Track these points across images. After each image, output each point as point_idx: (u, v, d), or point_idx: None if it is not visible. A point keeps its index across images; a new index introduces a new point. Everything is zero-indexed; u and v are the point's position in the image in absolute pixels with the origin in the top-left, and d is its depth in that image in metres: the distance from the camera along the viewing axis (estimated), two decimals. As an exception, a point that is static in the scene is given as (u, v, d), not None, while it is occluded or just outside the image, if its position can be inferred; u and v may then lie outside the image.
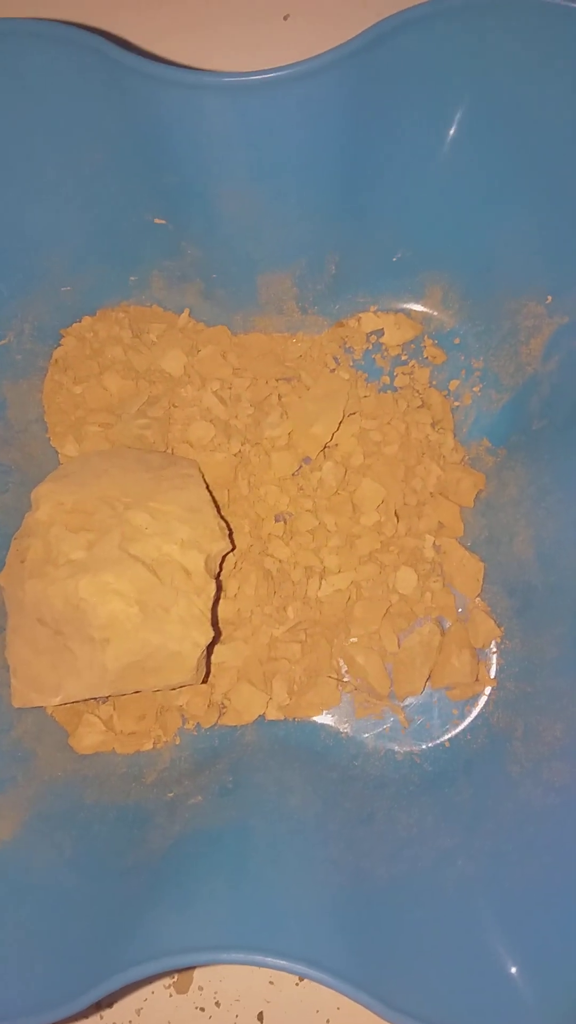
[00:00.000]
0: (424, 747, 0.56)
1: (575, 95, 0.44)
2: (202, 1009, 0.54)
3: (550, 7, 0.41)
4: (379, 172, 0.50)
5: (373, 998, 0.37)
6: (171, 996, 0.54)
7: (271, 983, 0.55)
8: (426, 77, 0.45)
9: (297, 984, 0.55)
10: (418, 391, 0.59)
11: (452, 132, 0.48)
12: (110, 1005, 0.54)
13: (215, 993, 0.55)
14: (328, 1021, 0.54)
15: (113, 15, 0.62)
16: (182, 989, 0.55)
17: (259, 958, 0.38)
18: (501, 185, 0.50)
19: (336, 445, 0.58)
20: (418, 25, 0.42)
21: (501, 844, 0.48)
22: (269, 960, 0.38)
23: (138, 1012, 0.54)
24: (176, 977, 0.55)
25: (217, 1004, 0.54)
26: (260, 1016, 0.54)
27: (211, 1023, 0.54)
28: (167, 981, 0.55)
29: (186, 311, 0.59)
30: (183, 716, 0.56)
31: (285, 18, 0.62)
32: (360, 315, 0.60)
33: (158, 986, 0.55)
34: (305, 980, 0.55)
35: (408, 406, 0.58)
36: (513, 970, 0.41)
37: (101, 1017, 0.54)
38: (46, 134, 0.47)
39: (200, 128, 0.44)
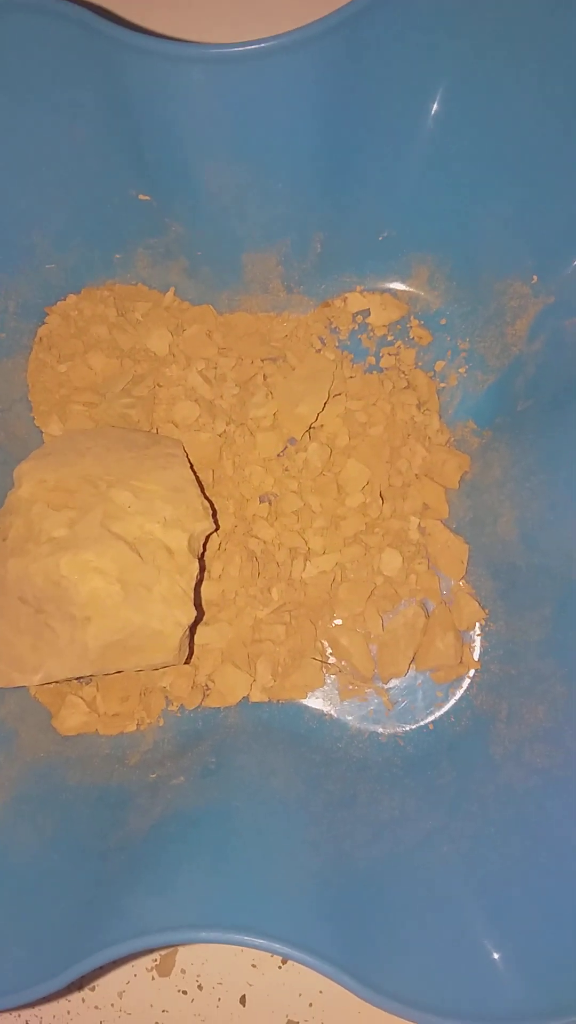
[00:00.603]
0: (408, 729, 0.56)
1: (557, 72, 0.44)
2: (184, 992, 0.54)
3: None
4: (363, 149, 0.50)
5: (354, 979, 0.37)
6: (153, 979, 0.54)
7: (254, 966, 0.55)
8: (408, 52, 0.45)
9: (280, 967, 0.55)
10: (404, 372, 0.59)
11: (435, 109, 0.48)
12: (92, 988, 0.54)
13: (197, 976, 0.54)
14: (311, 1004, 0.54)
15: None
16: (164, 972, 0.54)
17: (239, 937, 0.38)
18: (485, 164, 0.50)
19: (321, 426, 0.58)
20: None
21: (483, 826, 0.48)
22: (249, 939, 0.38)
23: (120, 995, 0.54)
24: (158, 959, 0.55)
25: (199, 987, 0.54)
26: (243, 999, 0.54)
27: (193, 1006, 0.54)
28: (149, 964, 0.55)
29: (171, 290, 0.58)
30: (167, 697, 0.56)
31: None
32: (346, 295, 0.59)
33: (140, 969, 0.55)
34: (288, 963, 0.55)
35: (394, 387, 0.58)
36: (495, 955, 0.41)
37: (83, 1000, 0.54)
38: (27, 108, 0.47)
39: (183, 101, 0.44)
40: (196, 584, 0.50)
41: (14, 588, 0.48)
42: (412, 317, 0.60)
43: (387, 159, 0.51)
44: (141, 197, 0.52)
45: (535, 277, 0.51)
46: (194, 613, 0.49)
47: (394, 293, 0.59)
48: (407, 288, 0.59)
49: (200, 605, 0.55)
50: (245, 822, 0.48)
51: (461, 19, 0.43)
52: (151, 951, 0.55)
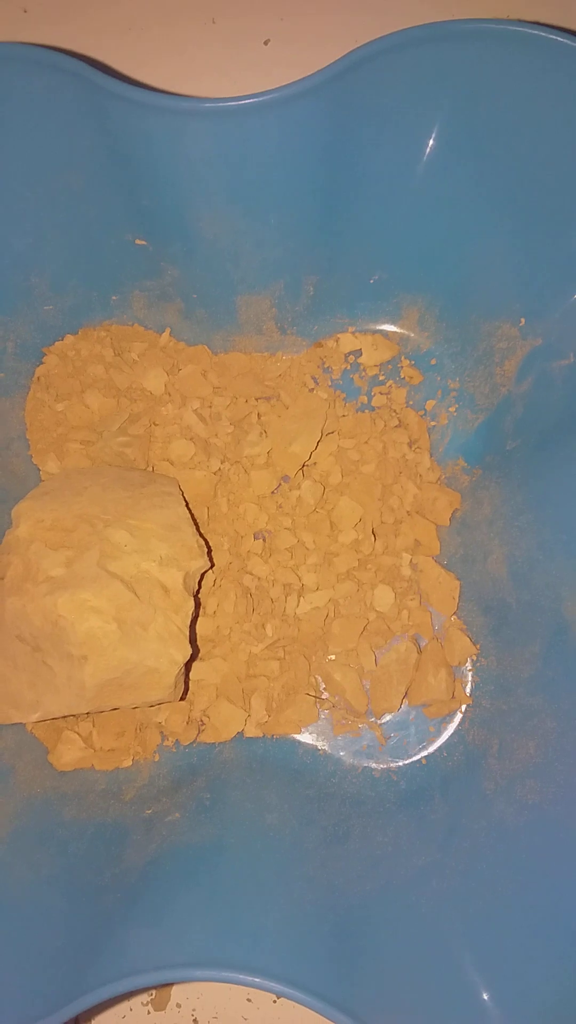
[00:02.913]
0: (401, 764, 0.56)
1: (545, 119, 0.45)
2: (179, 1027, 0.54)
3: (515, 35, 0.42)
4: (356, 196, 0.51)
5: (346, 1016, 0.38)
6: (149, 1013, 0.54)
7: (249, 1000, 0.55)
8: (401, 103, 0.46)
9: (275, 1001, 0.55)
10: (395, 411, 0.60)
11: (426, 157, 0.49)
12: (89, 1022, 0.54)
13: (193, 1010, 0.55)
14: (305, 1038, 0.54)
15: (95, 40, 0.62)
16: (160, 1006, 0.55)
17: (232, 975, 0.38)
18: (475, 210, 0.51)
19: (314, 464, 0.59)
20: (391, 53, 0.42)
21: (474, 863, 0.48)
22: (242, 977, 0.38)
23: (115, 1030, 0.54)
24: (154, 994, 0.55)
25: (195, 1021, 0.54)
26: (237, 1033, 0.54)
27: (188, 1041, 0.54)
28: (145, 998, 0.55)
29: (167, 330, 0.60)
30: (162, 733, 0.56)
31: (266, 43, 0.63)
32: (338, 336, 0.61)
33: (136, 1003, 0.55)
34: (282, 998, 0.55)
35: (385, 425, 0.59)
36: (484, 995, 0.41)
37: (78, 1035, 0.54)
38: (24, 156, 0.48)
39: (180, 152, 0.45)
40: (191, 621, 0.51)
41: (12, 626, 0.49)
42: (403, 357, 0.61)
43: (379, 206, 0.52)
44: (138, 242, 0.53)
45: (523, 320, 0.53)
46: (189, 651, 0.49)
47: (385, 334, 0.61)
48: (398, 329, 0.61)
49: (195, 642, 0.55)
50: (240, 858, 0.48)
51: (452, 70, 0.44)
52: (146, 987, 0.55)
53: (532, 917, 0.43)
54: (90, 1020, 0.55)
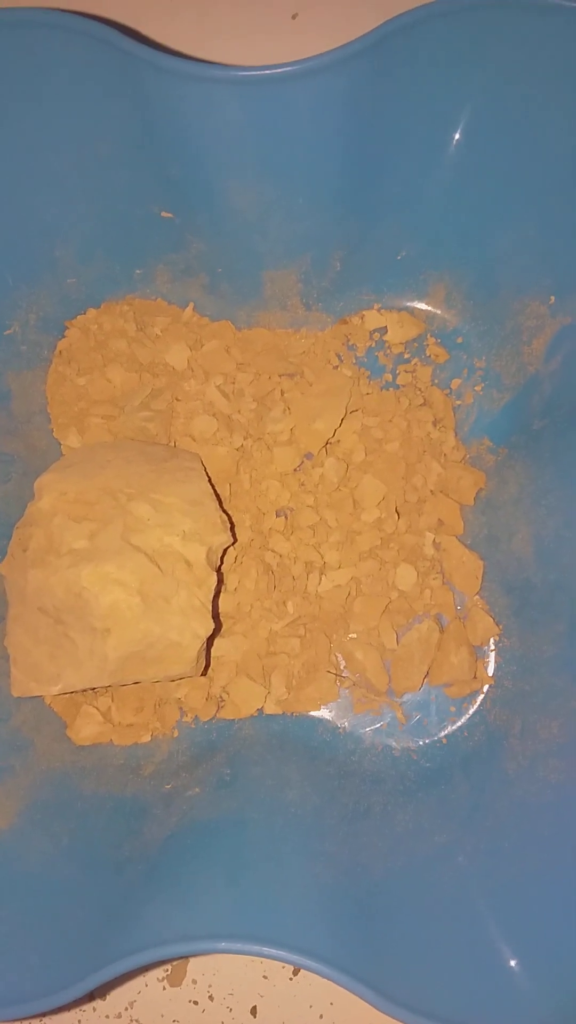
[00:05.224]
0: (421, 743, 0.56)
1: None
2: (195, 1003, 0.54)
3: (554, 8, 0.41)
4: (385, 170, 0.50)
5: (369, 989, 0.37)
6: (164, 989, 0.54)
7: (265, 977, 0.55)
8: (433, 77, 0.45)
9: (291, 978, 0.55)
10: (420, 389, 0.59)
11: (458, 131, 0.49)
12: (103, 997, 0.54)
13: (209, 987, 0.55)
14: (321, 1016, 0.54)
15: (124, 7, 0.62)
16: (175, 982, 0.55)
17: (255, 948, 0.38)
18: (506, 186, 0.50)
19: (338, 441, 0.58)
20: (424, 25, 0.42)
21: (498, 841, 0.48)
22: (266, 950, 0.38)
23: (131, 1005, 0.54)
24: (170, 970, 0.55)
25: (211, 998, 0.54)
26: (253, 1010, 0.54)
27: (204, 1017, 0.54)
28: (160, 974, 0.55)
29: (190, 305, 0.59)
30: (181, 709, 0.56)
31: (294, 17, 0.63)
32: (364, 312, 0.60)
33: (151, 979, 0.55)
34: (299, 975, 0.55)
35: (410, 404, 0.59)
36: (512, 963, 0.41)
37: (94, 1009, 0.54)
38: (54, 125, 0.48)
39: (209, 121, 0.45)
40: (214, 596, 0.51)
41: (34, 599, 0.48)
42: (429, 335, 0.60)
43: (409, 180, 0.51)
44: (164, 214, 0.53)
45: (553, 298, 0.52)
46: (212, 625, 0.49)
47: (411, 311, 0.60)
48: (424, 306, 0.60)
49: (217, 617, 0.55)
50: (260, 833, 0.48)
51: (485, 44, 0.43)
52: (163, 961, 0.55)
53: (559, 890, 0.43)
54: (105, 995, 0.55)
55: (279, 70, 0.41)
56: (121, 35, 0.42)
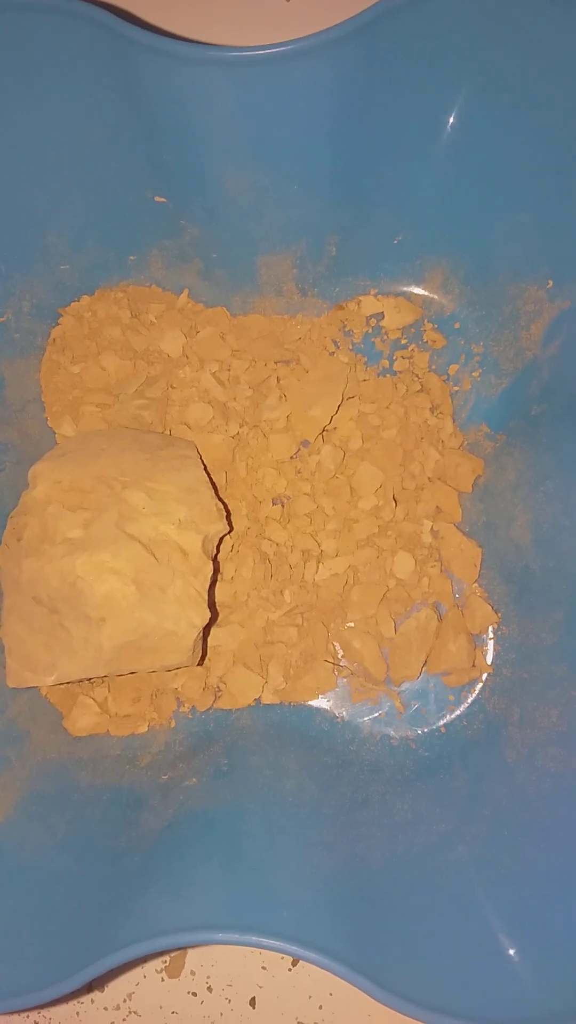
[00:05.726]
0: (420, 732, 0.56)
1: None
2: (194, 994, 0.54)
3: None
4: (380, 153, 0.50)
5: (368, 980, 0.37)
6: (163, 980, 0.54)
7: (263, 968, 0.55)
8: (426, 59, 0.45)
9: (290, 969, 0.55)
10: (417, 375, 0.59)
11: (454, 114, 0.48)
12: (101, 989, 0.54)
13: (207, 978, 0.54)
14: (321, 1007, 0.54)
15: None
16: (174, 973, 0.54)
17: (254, 939, 0.38)
18: (503, 170, 0.50)
19: (334, 428, 0.58)
20: (417, 6, 0.41)
21: (497, 830, 0.48)
22: (264, 941, 0.38)
23: (129, 996, 0.54)
24: (168, 961, 0.55)
25: (209, 989, 0.54)
26: (252, 1001, 0.54)
27: (203, 1008, 0.54)
28: (159, 965, 0.55)
29: (185, 292, 0.59)
30: (178, 699, 0.56)
31: (288, -1, 0.62)
32: (360, 298, 0.60)
33: (150, 970, 0.54)
34: (298, 966, 0.54)
35: (407, 390, 0.58)
36: (511, 952, 0.41)
37: (92, 1001, 0.54)
38: (47, 108, 0.47)
39: (203, 104, 0.44)
40: (210, 586, 0.50)
41: (28, 588, 0.48)
42: (426, 320, 0.60)
43: (404, 164, 0.51)
44: (157, 199, 0.52)
45: (551, 282, 0.51)
46: (208, 614, 0.49)
47: (408, 296, 0.60)
48: (421, 291, 0.59)
49: (213, 606, 0.55)
50: (258, 823, 0.48)
51: (481, 25, 0.43)
52: (162, 953, 0.55)
53: (559, 879, 0.43)
54: (103, 987, 0.54)
55: (272, 50, 0.41)
56: (114, 16, 0.41)
